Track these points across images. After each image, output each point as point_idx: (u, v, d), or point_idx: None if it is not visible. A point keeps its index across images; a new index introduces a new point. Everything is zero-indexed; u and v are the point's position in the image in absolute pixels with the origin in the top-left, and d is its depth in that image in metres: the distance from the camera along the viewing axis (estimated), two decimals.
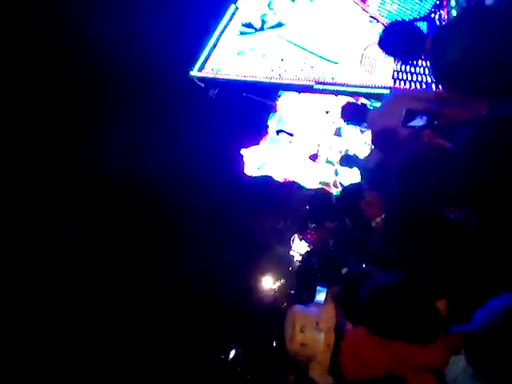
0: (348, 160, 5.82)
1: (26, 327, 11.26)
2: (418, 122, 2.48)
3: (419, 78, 5.53)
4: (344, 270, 4.26)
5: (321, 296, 3.06)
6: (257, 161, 9.16)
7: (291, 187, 10.30)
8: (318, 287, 3.27)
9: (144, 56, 9.68)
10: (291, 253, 13.00)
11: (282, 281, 13.40)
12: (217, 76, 6.67)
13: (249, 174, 9.17)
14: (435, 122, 2.51)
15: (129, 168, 11.68)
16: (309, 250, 11.52)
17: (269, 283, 13.78)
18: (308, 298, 5.20)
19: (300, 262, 12.14)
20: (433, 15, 6.01)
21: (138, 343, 12.21)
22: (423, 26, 5.93)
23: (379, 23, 6.11)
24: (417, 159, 2.39)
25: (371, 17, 6.15)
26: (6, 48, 9.55)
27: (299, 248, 12.54)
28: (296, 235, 12.57)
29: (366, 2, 6.46)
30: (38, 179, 11.43)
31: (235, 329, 12.98)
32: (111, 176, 11.76)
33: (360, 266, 4.09)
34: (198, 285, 12.96)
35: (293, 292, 9.92)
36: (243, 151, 9.04)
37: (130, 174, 11.74)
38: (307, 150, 9.19)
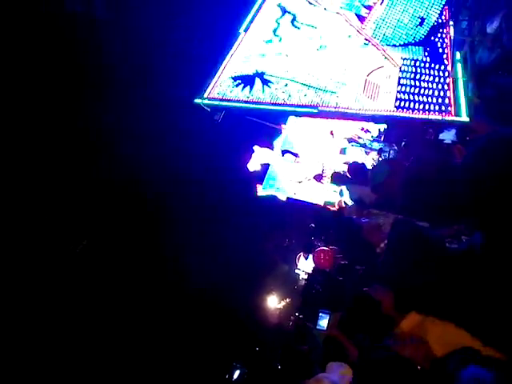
0: (339, 178, 5.93)
1: (31, 331, 11.31)
2: (449, 135, 2.53)
3: (421, 106, 5.66)
4: (347, 294, 4.30)
5: (323, 322, 3.10)
6: (262, 161, 9.08)
7: (297, 206, 10.36)
8: (320, 313, 3.31)
9: (154, 78, 9.93)
10: (296, 271, 12.97)
11: (287, 300, 13.34)
12: (222, 101, 6.84)
13: (250, 170, 9.07)
14: (467, 138, 2.55)
15: (136, 186, 11.85)
16: (314, 269, 11.51)
17: (274, 302, 13.73)
18: (311, 322, 5.21)
19: (305, 280, 12.10)
20: (429, 39, 6.18)
21: (143, 363, 12.17)
22: (418, 51, 6.10)
23: (372, 46, 6.27)
24: (424, 172, 2.46)
25: (365, 39, 6.31)
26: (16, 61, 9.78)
27: (304, 267, 12.52)
28: (301, 254, 12.56)
29: (364, 23, 6.64)
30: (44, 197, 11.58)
31: (240, 348, 12.89)
32: (120, 192, 11.93)
33: (362, 290, 4.11)
34: (203, 303, 12.94)
35: (297, 313, 9.87)
36: (255, 147, 8.97)
37: (137, 191, 11.90)
38: (312, 170, 9.28)
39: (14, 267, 11.33)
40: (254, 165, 8.75)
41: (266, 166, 8.94)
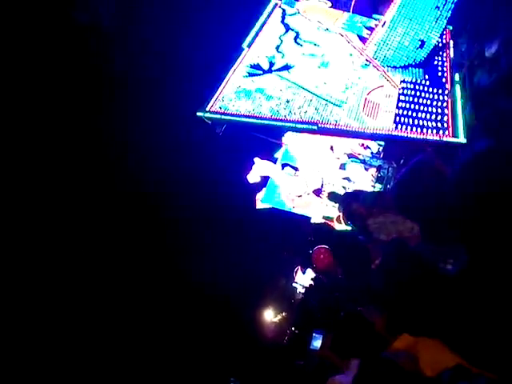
0: (335, 197, 5.97)
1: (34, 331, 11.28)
2: None
3: (419, 126, 5.74)
4: (341, 314, 4.31)
5: (317, 342, 3.10)
6: (262, 173, 9.13)
7: (295, 220, 10.38)
8: (314, 334, 3.32)
9: (158, 90, 10.04)
10: (294, 285, 12.94)
11: (283, 314, 13.29)
12: (224, 115, 6.93)
13: (250, 182, 9.11)
14: None
15: (138, 195, 11.88)
16: (311, 284, 11.49)
17: (270, 316, 13.66)
18: (306, 337, 5.21)
19: (302, 295, 12.07)
20: (428, 62, 6.29)
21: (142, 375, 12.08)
22: (418, 72, 6.20)
23: (373, 67, 6.38)
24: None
25: (367, 60, 6.42)
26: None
27: (302, 280, 12.50)
28: (299, 267, 12.55)
29: (365, 45, 6.76)
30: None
31: (236, 363, 12.76)
32: (120, 202, 11.95)
33: (356, 309, 4.13)
34: (200, 316, 12.88)
35: (294, 328, 9.83)
36: (256, 159, 9.04)
37: (139, 200, 11.93)
38: (312, 184, 9.33)
39: (17, 267, 11.35)
40: (253, 176, 8.80)
41: (265, 179, 8.99)
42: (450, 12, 6.41)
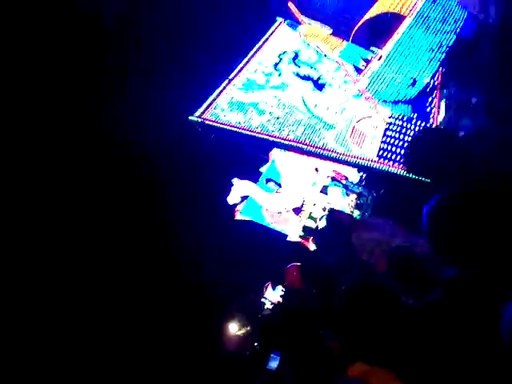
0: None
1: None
2: None
3: (402, 160, 5.91)
4: (303, 334, 4.33)
5: (274, 363, 3.12)
6: (242, 194, 9.23)
7: (272, 235, 10.42)
8: (272, 355, 3.34)
9: (149, 97, 10.05)
10: (262, 300, 12.91)
11: (247, 328, 13.20)
12: (215, 123, 6.99)
13: (230, 203, 9.18)
14: None
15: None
16: (279, 301, 11.49)
17: (234, 328, 13.56)
18: (266, 354, 5.21)
19: (269, 310, 12.04)
20: (418, 100, 6.51)
21: None
22: (407, 108, 6.41)
23: (366, 99, 6.57)
24: None
25: (359, 91, 6.61)
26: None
27: (271, 296, 12.49)
28: (270, 283, 12.55)
29: (360, 75, 6.95)
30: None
31: (196, 375, 12.56)
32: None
33: (316, 332, 4.17)
34: (164, 324, 12.67)
35: (256, 344, 9.76)
36: (235, 180, 9.10)
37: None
38: (292, 202, 9.41)
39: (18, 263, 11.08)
40: (233, 198, 8.86)
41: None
42: (444, 55, 6.67)
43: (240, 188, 9.07)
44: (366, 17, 6.96)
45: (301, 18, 8.23)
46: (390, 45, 6.42)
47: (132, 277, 12.24)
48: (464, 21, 6.31)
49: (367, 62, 6.92)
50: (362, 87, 6.47)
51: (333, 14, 8.29)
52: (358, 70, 6.95)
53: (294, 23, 8.12)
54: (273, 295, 12.90)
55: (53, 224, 11.49)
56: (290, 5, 8.21)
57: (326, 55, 7.31)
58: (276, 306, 11.78)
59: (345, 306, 3.48)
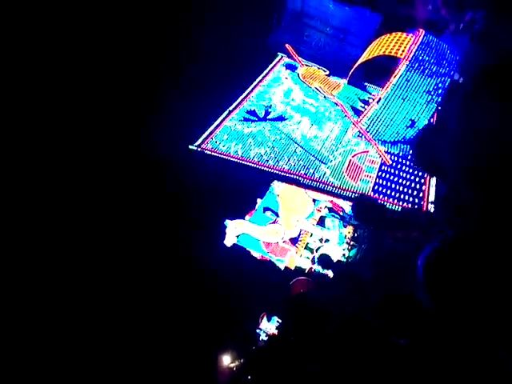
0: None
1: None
2: None
3: (396, 195, 5.96)
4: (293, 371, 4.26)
5: None
6: (237, 233, 9.35)
7: (268, 265, 10.34)
8: None
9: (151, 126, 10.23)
10: (257, 331, 12.66)
11: (241, 360, 12.87)
12: (214, 153, 7.09)
13: (228, 245, 9.30)
14: None
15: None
16: (274, 333, 11.27)
17: (227, 360, 13.21)
18: None
19: (264, 342, 11.78)
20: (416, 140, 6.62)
21: None
22: (406, 148, 6.53)
23: (365, 139, 6.69)
24: None
25: (359, 132, 6.74)
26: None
27: (266, 327, 12.25)
28: (265, 314, 12.34)
29: (360, 117, 7.11)
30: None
31: None
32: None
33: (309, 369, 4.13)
34: (158, 354, 12.40)
35: (249, 377, 9.52)
36: (227, 222, 9.25)
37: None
38: (289, 232, 9.40)
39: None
40: (229, 239, 8.97)
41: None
42: (440, 98, 6.83)
43: (234, 228, 9.16)
44: (362, 59, 7.17)
45: (298, 59, 8.51)
46: (388, 87, 6.58)
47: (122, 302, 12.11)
48: (456, 64, 6.51)
49: (365, 102, 7.10)
50: (362, 128, 6.61)
51: (328, 53, 8.57)
52: (356, 111, 7.11)
53: (293, 64, 8.39)
54: (268, 326, 12.66)
55: (53, 223, 11.48)
56: (288, 47, 8.52)
57: (325, 97, 7.50)
58: (271, 337, 11.54)
59: (335, 343, 3.47)
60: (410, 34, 6.84)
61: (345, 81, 7.87)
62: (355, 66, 7.34)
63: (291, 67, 8.18)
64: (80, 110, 10.55)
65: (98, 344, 11.67)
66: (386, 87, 6.52)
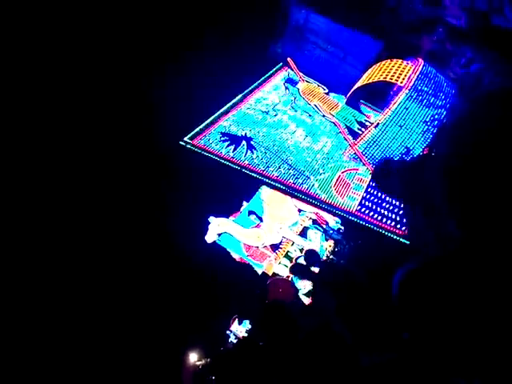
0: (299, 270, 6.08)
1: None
2: None
3: (380, 216, 6.03)
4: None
5: None
6: (219, 231, 9.34)
7: (246, 268, 10.34)
8: None
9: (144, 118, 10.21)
10: (227, 332, 12.63)
11: (207, 360, 12.80)
12: (205, 150, 7.07)
13: (208, 242, 9.28)
14: None
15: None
16: (244, 336, 11.24)
17: (194, 358, 13.13)
18: None
19: (233, 345, 11.75)
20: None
21: None
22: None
23: (361, 162, 6.76)
24: None
25: (355, 154, 6.79)
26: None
27: (237, 330, 12.22)
28: (237, 316, 12.32)
29: (357, 140, 7.17)
30: None
31: None
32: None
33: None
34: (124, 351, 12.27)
35: (213, 377, 9.46)
36: (211, 219, 9.23)
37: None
38: (271, 238, 9.42)
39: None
40: (211, 236, 8.96)
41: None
42: (436, 129, 6.93)
43: (217, 226, 9.15)
44: (362, 83, 7.24)
45: (300, 74, 8.57)
46: (387, 114, 6.67)
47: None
48: (452, 97, 6.64)
49: (361, 124, 7.18)
50: (359, 151, 6.69)
51: (327, 70, 8.64)
52: (352, 132, 7.17)
53: (293, 80, 8.44)
54: (239, 329, 12.63)
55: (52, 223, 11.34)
56: (290, 60, 8.58)
57: (324, 116, 7.56)
58: (240, 340, 11.51)
59: (304, 354, 3.46)
60: (410, 63, 6.95)
61: (343, 100, 7.96)
62: (354, 89, 7.43)
63: (291, 81, 8.23)
64: (79, 108, 10.46)
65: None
66: (384, 113, 6.61)
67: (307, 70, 8.60)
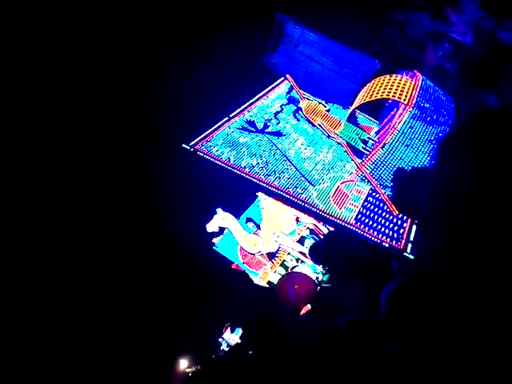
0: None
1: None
2: None
3: (376, 229, 6.03)
4: None
5: None
6: (221, 225, 9.23)
7: (241, 275, 10.30)
8: None
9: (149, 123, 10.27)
10: (220, 340, 12.55)
11: (197, 367, 12.71)
12: (206, 155, 7.09)
13: (208, 230, 9.13)
14: None
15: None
16: (237, 343, 11.17)
17: (184, 364, 13.04)
18: None
19: (224, 353, 11.67)
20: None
21: None
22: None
23: (368, 182, 6.75)
24: None
25: (363, 175, 6.79)
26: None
27: (229, 338, 12.15)
28: (229, 324, 12.26)
29: (364, 160, 7.15)
30: None
31: None
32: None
33: None
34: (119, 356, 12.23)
35: None
36: (219, 210, 9.11)
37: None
38: (268, 246, 9.39)
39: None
40: (212, 225, 8.89)
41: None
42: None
43: (221, 218, 9.09)
44: (363, 100, 7.21)
45: (300, 92, 8.61)
46: (393, 133, 6.63)
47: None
48: (452, 112, 6.66)
49: (364, 142, 7.19)
50: (367, 172, 6.69)
51: (322, 82, 8.67)
52: (356, 151, 7.17)
53: (296, 98, 8.48)
54: (231, 337, 12.55)
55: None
56: (289, 77, 8.64)
57: (328, 136, 7.59)
58: (232, 349, 11.43)
59: (292, 366, 3.45)
60: (409, 79, 6.95)
61: (344, 115, 7.98)
62: (354, 106, 7.44)
63: (293, 100, 8.31)
64: (79, 107, 10.56)
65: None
66: (390, 133, 6.58)
67: (302, 81, 8.64)
